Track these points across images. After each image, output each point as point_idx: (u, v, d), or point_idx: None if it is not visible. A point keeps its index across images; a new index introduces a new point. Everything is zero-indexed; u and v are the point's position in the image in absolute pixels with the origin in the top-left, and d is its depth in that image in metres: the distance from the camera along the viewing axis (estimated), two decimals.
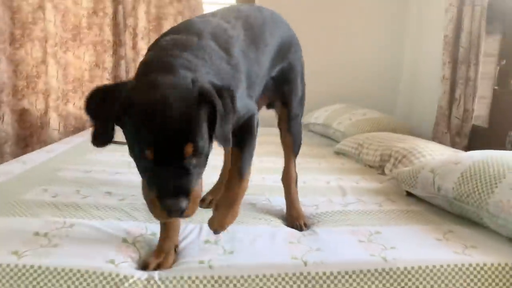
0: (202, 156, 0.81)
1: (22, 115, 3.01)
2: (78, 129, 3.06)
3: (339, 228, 1.22)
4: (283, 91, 1.33)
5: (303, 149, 2.30)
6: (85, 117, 3.01)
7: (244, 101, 1.06)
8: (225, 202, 1.02)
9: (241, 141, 1.02)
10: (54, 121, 2.92)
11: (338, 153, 2.24)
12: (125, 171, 1.69)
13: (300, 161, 2.02)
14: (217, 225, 1.00)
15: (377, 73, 3.14)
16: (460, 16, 2.26)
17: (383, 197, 1.52)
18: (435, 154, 1.69)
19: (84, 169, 1.69)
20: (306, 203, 1.41)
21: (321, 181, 1.71)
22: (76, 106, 3.04)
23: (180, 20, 2.94)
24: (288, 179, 1.37)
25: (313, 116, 2.84)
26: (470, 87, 2.20)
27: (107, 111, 0.80)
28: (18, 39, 2.90)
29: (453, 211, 1.33)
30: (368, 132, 2.29)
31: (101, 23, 2.93)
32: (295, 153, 1.39)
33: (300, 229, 1.22)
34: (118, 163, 1.80)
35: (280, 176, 1.40)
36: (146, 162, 0.78)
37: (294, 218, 1.27)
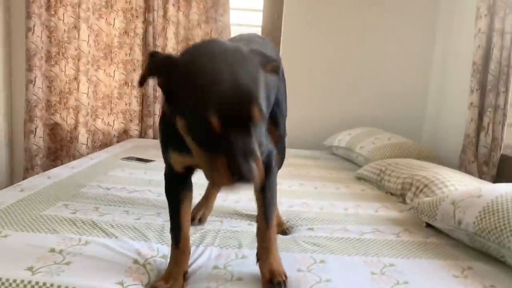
0: (262, 126, 0.77)
1: (53, 129, 3.13)
2: (105, 144, 3.15)
3: (352, 258, 1.19)
4: (274, 114, 1.36)
5: (322, 173, 2.32)
6: (112, 133, 3.10)
7: (265, 134, 1.07)
8: (265, 254, 1.03)
9: (263, 184, 0.99)
10: (83, 136, 3.01)
11: (360, 179, 2.20)
12: (143, 189, 1.72)
13: (318, 185, 2.02)
14: (277, 276, 0.99)
15: (403, 97, 3.10)
16: (490, 43, 2.21)
17: (401, 227, 1.48)
18: (458, 185, 1.63)
19: (105, 186, 1.74)
20: (320, 232, 1.39)
21: (339, 207, 1.68)
22: (105, 122, 3.13)
23: None
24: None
25: (336, 139, 2.82)
26: (499, 115, 2.13)
27: (165, 67, 0.77)
28: (54, 56, 3.05)
29: (473, 246, 1.28)
30: (391, 158, 2.25)
31: (132, 43, 3.04)
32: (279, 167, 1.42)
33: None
34: (138, 181, 1.84)
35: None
36: (208, 127, 0.70)
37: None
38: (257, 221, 1.06)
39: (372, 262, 1.17)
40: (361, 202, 1.77)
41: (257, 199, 1.06)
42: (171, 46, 2.99)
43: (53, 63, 3.05)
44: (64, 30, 3.00)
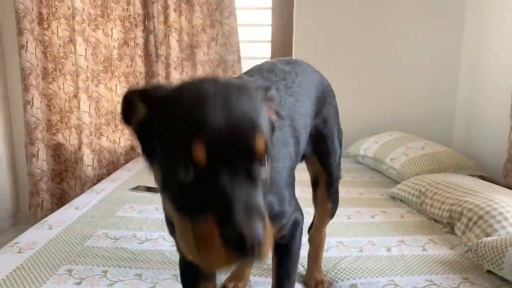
0: (267, 165, 0.54)
1: (56, 150, 2.95)
2: (112, 163, 2.96)
3: None
4: (320, 151, 1.16)
5: (352, 194, 2.08)
6: (119, 151, 2.91)
7: (290, 192, 0.86)
8: None
9: (284, 256, 0.84)
10: (87, 157, 2.82)
11: (394, 198, 1.98)
12: (155, 236, 1.53)
13: (351, 213, 1.80)
14: None
15: (429, 97, 2.83)
16: None
17: (459, 275, 1.27)
18: None
19: (113, 236, 1.54)
20: None
21: (381, 248, 1.47)
22: (110, 140, 2.94)
23: (214, 47, 2.77)
24: (320, 241, 1.28)
25: (362, 147, 2.58)
26: None
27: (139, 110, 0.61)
28: (50, 73, 2.84)
29: None
30: (428, 173, 2.02)
31: (132, 53, 2.81)
32: (331, 217, 1.27)
33: None
34: (149, 223, 1.64)
35: None
36: (191, 171, 0.49)
37: (318, 282, 1.21)
38: None
39: None
40: (404, 236, 1.56)
41: (272, 268, 0.89)
42: (175, 54, 2.75)
43: (50, 80, 2.85)
44: (59, 44, 2.79)
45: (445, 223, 1.62)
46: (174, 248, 1.40)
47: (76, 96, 2.79)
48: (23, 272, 1.26)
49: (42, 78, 2.84)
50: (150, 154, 0.60)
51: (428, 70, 2.84)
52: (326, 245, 1.46)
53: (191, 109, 0.51)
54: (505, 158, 2.06)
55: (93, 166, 2.87)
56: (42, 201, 2.90)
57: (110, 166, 2.97)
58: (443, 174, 1.96)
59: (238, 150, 0.49)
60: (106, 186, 2.13)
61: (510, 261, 1.16)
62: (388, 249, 1.45)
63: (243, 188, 0.48)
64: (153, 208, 1.80)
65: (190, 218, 0.50)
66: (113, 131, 2.94)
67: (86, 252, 1.40)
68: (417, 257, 1.39)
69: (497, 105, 2.30)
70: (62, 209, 1.81)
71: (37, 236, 1.51)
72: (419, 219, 1.74)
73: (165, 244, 1.47)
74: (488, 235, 1.38)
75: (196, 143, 0.48)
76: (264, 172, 0.52)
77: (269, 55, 2.93)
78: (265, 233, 0.47)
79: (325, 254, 1.39)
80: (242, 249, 0.45)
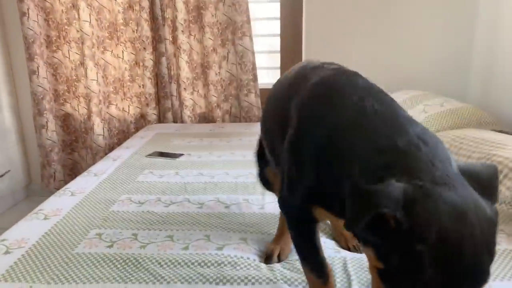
0: None
1: (65, 121, 2.91)
2: (122, 132, 2.92)
3: None
4: None
5: None
6: (129, 119, 2.86)
7: None
8: None
9: None
10: (98, 126, 2.78)
11: None
12: (180, 199, 1.51)
13: None
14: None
15: (443, 53, 2.75)
16: None
17: None
18: None
19: (137, 200, 1.52)
20: None
21: None
22: (119, 108, 2.88)
23: (221, 8, 2.68)
24: None
25: None
26: None
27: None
28: (54, 41, 2.76)
29: None
30: (450, 130, 1.98)
31: (138, 18, 2.71)
32: None
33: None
34: (172, 187, 1.62)
35: None
36: None
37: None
38: None
39: None
40: None
41: None
42: (182, 17, 2.66)
43: (54, 48, 2.77)
44: (62, 10, 2.69)
45: None
46: (201, 211, 1.39)
47: (82, 64, 2.72)
48: (53, 237, 1.25)
49: (46, 46, 2.76)
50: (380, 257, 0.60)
51: (443, 26, 2.75)
52: None
53: (459, 267, 0.54)
54: None
55: (103, 135, 2.83)
56: (54, 172, 2.88)
57: (120, 135, 2.93)
58: (466, 129, 1.92)
59: None
60: (121, 154, 2.10)
61: None
62: None
63: None
64: (173, 173, 1.77)
65: None
66: (121, 99, 2.88)
67: (113, 216, 1.39)
68: None
69: None
70: (80, 177, 1.78)
71: (61, 203, 1.50)
72: None
73: (191, 208, 1.45)
74: None
75: None
76: None
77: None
78: None
79: None
80: None
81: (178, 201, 1.50)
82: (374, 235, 0.59)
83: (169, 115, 2.85)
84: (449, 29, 2.74)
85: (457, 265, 0.53)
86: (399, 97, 2.44)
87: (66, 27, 2.71)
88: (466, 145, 1.70)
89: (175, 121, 2.86)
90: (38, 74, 2.70)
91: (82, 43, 2.66)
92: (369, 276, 0.79)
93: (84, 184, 1.68)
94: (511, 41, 2.36)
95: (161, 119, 2.89)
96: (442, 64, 2.77)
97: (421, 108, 2.21)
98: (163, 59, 2.75)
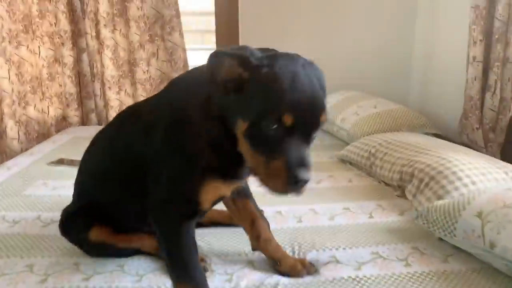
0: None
1: None
2: (42, 135, 2.65)
3: None
4: None
5: None
6: (49, 121, 2.61)
7: None
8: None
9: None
10: (11, 130, 2.50)
11: (344, 161, 1.82)
12: None
13: None
14: None
15: (383, 53, 2.64)
16: None
17: (408, 245, 1.12)
18: (474, 176, 1.26)
19: (12, 219, 1.30)
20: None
21: (323, 216, 1.30)
22: (38, 109, 2.61)
23: (148, 1, 2.47)
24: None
25: None
26: (508, 70, 1.74)
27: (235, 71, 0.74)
28: None
29: None
30: (380, 133, 1.86)
31: (55, 10, 2.46)
32: None
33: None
34: (60, 202, 1.40)
35: None
36: (275, 130, 0.71)
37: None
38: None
39: None
40: (350, 203, 1.39)
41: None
42: (104, 10, 2.43)
43: None
44: None
45: (396, 185, 1.47)
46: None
47: None
48: None
49: None
50: (227, 107, 0.77)
51: (383, 25, 2.65)
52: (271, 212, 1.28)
53: (288, 85, 0.71)
54: (461, 114, 1.93)
55: (19, 139, 2.55)
56: None
57: (40, 138, 2.65)
58: (395, 133, 1.81)
59: (312, 120, 0.73)
60: (20, 161, 1.86)
61: (464, 227, 1.02)
62: (332, 218, 1.29)
63: (306, 147, 0.73)
64: (71, 184, 1.55)
65: (266, 156, 0.73)
66: (40, 100, 2.61)
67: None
68: (364, 227, 1.23)
69: (453, 60, 2.14)
70: None
71: None
72: (368, 183, 1.58)
73: None
74: (440, 197, 1.24)
75: (289, 111, 0.70)
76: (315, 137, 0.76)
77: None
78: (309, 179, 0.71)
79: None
80: (296, 185, 0.71)
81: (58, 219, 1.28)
82: (235, 91, 0.73)
83: (93, 116, 2.61)
84: (390, 30, 2.64)
85: (301, 93, 0.71)
86: (335, 98, 2.32)
87: None
88: (391, 150, 1.58)
89: (99, 123, 2.63)
90: None
91: None
92: None
93: None
94: (447, 41, 2.28)
95: (84, 121, 2.65)
96: (384, 65, 2.66)
97: (353, 110, 2.08)
98: (84, 56, 2.51)
